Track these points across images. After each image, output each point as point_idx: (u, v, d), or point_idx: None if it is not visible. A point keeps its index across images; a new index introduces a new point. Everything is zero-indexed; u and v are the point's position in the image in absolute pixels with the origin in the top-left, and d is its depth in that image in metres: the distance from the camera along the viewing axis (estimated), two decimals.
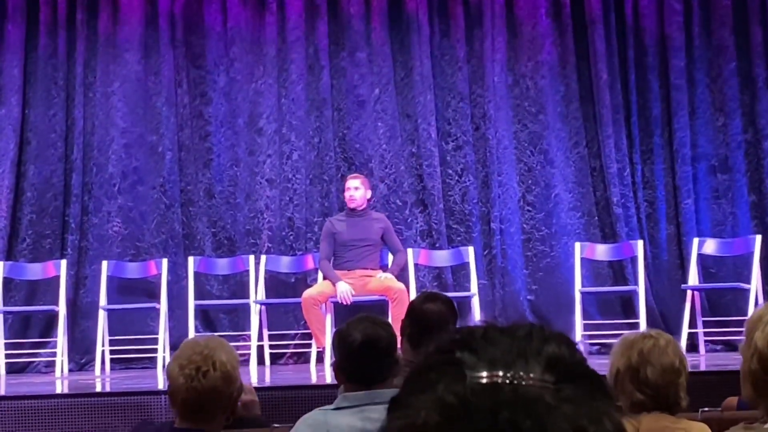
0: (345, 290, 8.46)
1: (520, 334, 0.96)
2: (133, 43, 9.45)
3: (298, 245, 9.36)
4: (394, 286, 8.48)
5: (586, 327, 8.89)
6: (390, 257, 8.90)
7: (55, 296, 8.87)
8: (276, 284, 9.31)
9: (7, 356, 8.87)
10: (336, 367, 3.62)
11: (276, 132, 9.45)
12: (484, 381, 0.92)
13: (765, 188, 9.48)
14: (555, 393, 0.91)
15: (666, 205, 9.52)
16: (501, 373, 0.92)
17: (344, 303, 8.44)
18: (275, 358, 9.12)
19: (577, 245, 9.18)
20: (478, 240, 9.40)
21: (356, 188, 8.79)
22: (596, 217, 9.52)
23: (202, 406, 3.34)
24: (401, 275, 8.74)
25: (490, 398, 0.90)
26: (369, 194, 8.89)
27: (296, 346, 9.20)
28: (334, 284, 8.52)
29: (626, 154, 9.53)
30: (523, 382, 0.91)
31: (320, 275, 8.96)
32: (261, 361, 8.89)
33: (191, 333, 8.60)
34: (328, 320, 8.50)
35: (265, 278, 9.14)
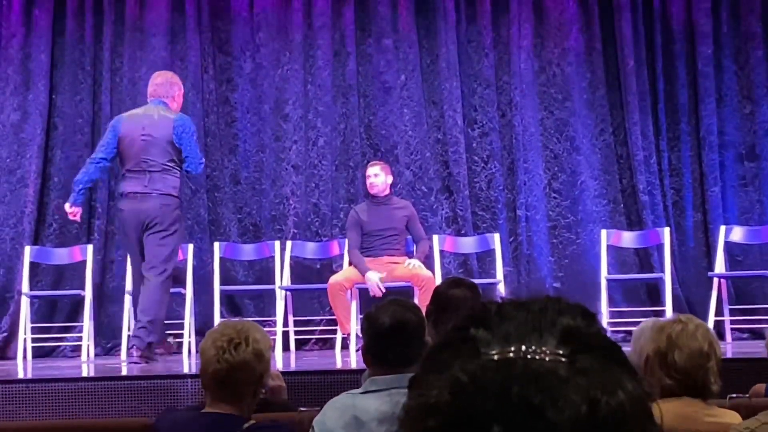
0: (375, 281, 8.39)
1: (535, 308, 0.95)
2: (159, 29, 9.46)
3: (323, 231, 9.36)
4: (421, 274, 8.45)
5: (611, 314, 8.86)
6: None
7: (82, 281, 8.90)
8: (301, 270, 9.32)
9: (34, 340, 8.91)
10: (364, 350, 3.62)
11: (302, 118, 9.45)
12: (497, 357, 0.91)
13: None
14: (569, 365, 0.90)
15: (692, 193, 9.48)
16: (514, 349, 0.91)
17: (376, 295, 8.32)
18: (300, 344, 9.13)
19: (603, 232, 9.15)
20: (504, 227, 9.38)
21: (376, 175, 8.77)
22: (622, 205, 9.49)
23: (232, 382, 3.34)
24: (426, 262, 8.72)
25: (501, 374, 0.89)
26: (390, 179, 8.85)
27: (321, 332, 9.21)
28: (363, 274, 8.49)
29: (653, 141, 9.49)
30: (536, 357, 0.90)
31: (345, 261, 8.96)
32: (286, 347, 8.91)
33: (216, 318, 8.60)
34: (354, 307, 8.47)
35: (291, 264, 9.14)
